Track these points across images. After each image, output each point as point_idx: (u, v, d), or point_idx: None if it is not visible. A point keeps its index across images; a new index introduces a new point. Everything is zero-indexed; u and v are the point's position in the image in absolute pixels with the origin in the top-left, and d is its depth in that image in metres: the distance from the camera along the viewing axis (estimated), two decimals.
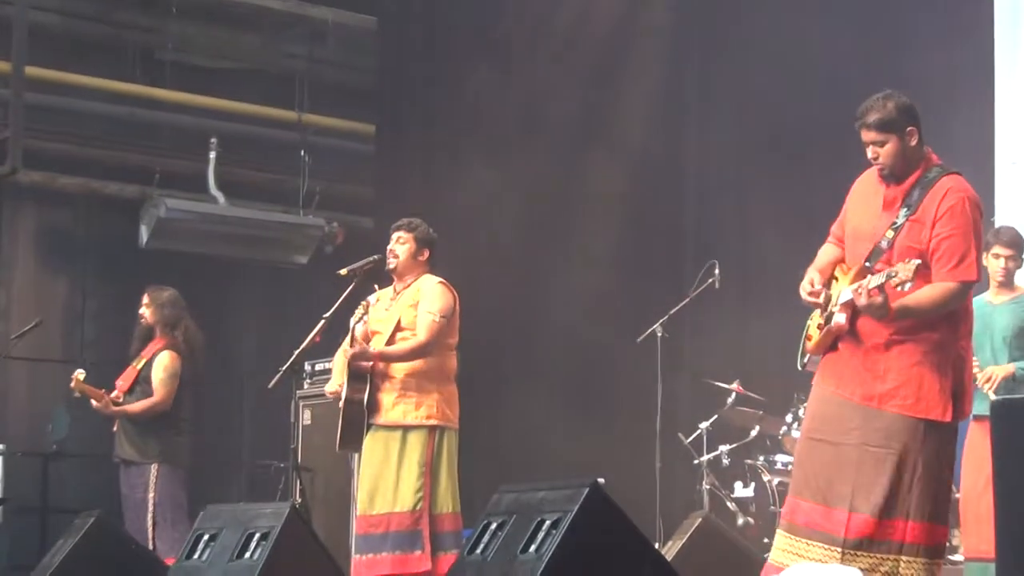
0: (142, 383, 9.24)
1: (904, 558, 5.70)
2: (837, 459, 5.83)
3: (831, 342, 5.92)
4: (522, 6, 11.79)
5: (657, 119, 11.99)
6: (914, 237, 5.81)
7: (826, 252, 6.15)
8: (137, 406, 9.17)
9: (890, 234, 5.85)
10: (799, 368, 6.13)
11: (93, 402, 9.20)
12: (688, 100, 12.20)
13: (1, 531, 10.34)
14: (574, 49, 11.98)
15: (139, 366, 9.33)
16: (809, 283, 5.97)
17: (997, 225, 8.55)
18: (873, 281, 5.71)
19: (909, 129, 5.84)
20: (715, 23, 11.89)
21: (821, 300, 5.94)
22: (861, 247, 5.95)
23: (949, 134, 9.79)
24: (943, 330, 5.88)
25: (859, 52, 10.62)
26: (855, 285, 5.77)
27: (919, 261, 5.64)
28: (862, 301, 5.71)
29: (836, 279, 6.02)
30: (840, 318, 5.84)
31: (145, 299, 9.46)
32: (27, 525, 10.46)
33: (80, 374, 9.12)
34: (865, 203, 6.04)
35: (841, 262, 6.06)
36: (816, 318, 6.02)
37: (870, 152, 5.89)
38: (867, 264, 5.88)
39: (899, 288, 5.63)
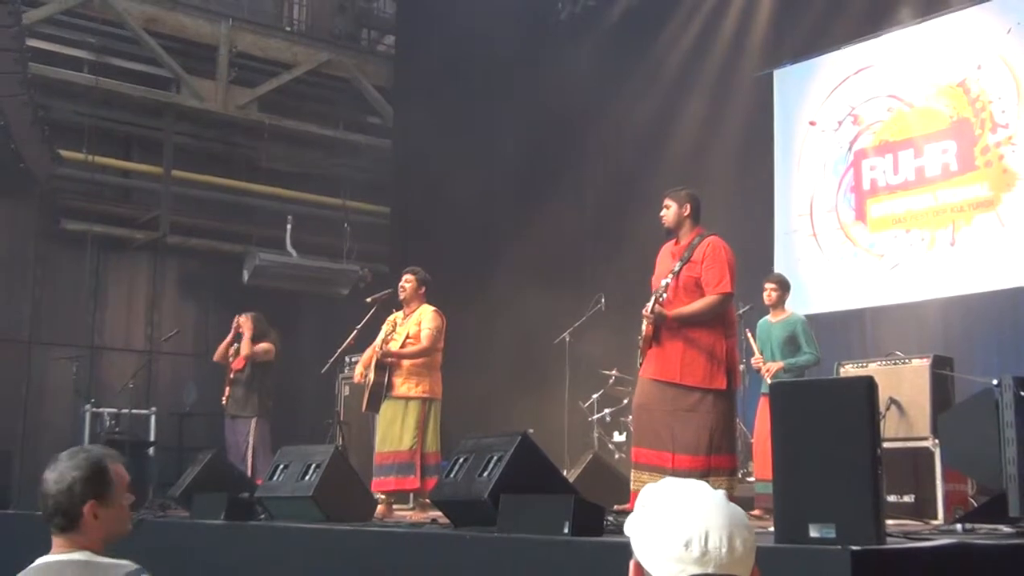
0: (249, 366, 9.26)
1: (712, 477, 5.71)
2: (657, 419, 5.84)
3: (648, 347, 5.93)
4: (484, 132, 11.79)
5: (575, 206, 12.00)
6: (691, 272, 5.86)
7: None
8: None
9: (671, 275, 5.89)
10: (638, 367, 6.14)
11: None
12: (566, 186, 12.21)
13: (153, 462, 10.23)
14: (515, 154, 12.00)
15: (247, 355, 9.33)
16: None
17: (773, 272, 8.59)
18: (648, 306, 5.79)
19: (687, 204, 5.95)
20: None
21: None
22: (657, 286, 6.00)
23: (739, 208, 9.87)
24: (719, 332, 5.91)
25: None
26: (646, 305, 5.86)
27: (667, 280, 5.72)
28: (648, 320, 5.79)
29: None
30: (646, 327, 5.88)
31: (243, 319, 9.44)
32: (170, 459, 10.36)
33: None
34: (662, 264, 6.11)
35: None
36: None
37: (663, 214, 5.98)
38: (654, 294, 5.91)
39: (661, 299, 5.70)
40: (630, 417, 9.42)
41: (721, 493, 1.78)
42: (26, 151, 10.47)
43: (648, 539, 1.74)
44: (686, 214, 5.99)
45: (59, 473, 2.64)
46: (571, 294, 11.09)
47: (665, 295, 5.76)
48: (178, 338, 11.05)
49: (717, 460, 5.73)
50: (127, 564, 2.65)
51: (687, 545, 1.69)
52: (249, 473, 8.77)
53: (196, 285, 12.49)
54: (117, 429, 10.09)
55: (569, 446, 9.07)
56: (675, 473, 5.64)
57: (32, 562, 2.64)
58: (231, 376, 9.36)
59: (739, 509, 1.78)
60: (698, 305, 5.80)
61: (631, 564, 1.77)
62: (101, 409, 10.46)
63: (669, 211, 6.02)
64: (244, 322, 9.38)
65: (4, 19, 9.74)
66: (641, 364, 6.00)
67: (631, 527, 1.78)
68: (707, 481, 5.63)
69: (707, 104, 10.75)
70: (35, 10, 11.35)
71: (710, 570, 1.69)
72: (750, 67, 10.70)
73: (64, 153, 11.53)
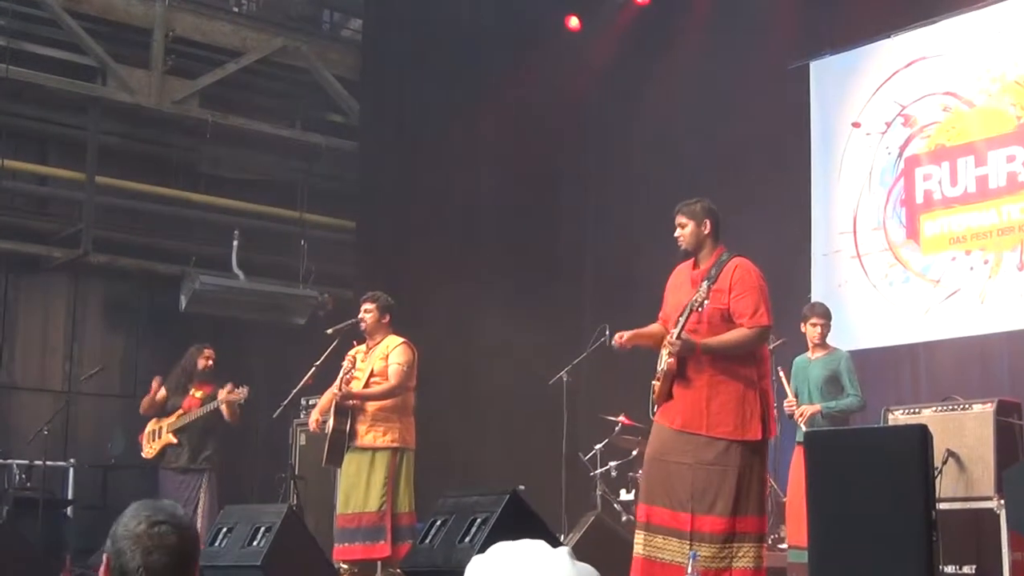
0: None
1: (736, 544, 5.71)
2: (674, 474, 5.84)
3: (668, 388, 5.91)
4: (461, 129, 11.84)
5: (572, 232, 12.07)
6: (718, 302, 5.86)
7: (653, 326, 6.20)
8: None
9: (696, 300, 5.89)
10: (651, 416, 6.14)
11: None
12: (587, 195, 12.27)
13: (71, 524, 10.20)
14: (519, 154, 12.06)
15: (201, 396, 9.54)
16: (619, 336, 6.03)
17: (812, 301, 8.62)
18: (674, 333, 5.79)
19: (706, 220, 5.98)
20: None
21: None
22: (677, 313, 6.00)
23: (771, 225, 9.91)
24: (751, 372, 5.92)
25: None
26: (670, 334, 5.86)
27: (707, 283, 5.73)
28: (674, 348, 5.78)
29: (665, 345, 6.04)
30: (670, 361, 5.87)
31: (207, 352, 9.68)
32: (91, 519, 10.32)
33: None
34: (679, 290, 6.12)
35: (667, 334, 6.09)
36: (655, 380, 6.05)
37: (679, 234, 6.01)
38: (679, 319, 5.92)
39: (699, 308, 5.71)
40: (640, 472, 9.46)
41: (565, 553, 1.73)
42: None
43: None
44: (706, 232, 6.01)
45: (183, 534, 2.43)
46: (569, 326, 11.14)
47: (697, 300, 5.72)
48: (102, 376, 11.03)
49: (743, 523, 5.73)
50: None
51: None
52: (201, 536, 8.78)
53: (124, 313, 12.46)
54: (28, 484, 10.07)
55: (568, 505, 9.08)
56: (694, 537, 5.65)
57: None
58: (171, 420, 9.43)
59: (589, 569, 1.73)
60: (733, 336, 5.80)
61: None
62: (9, 461, 10.44)
63: (686, 230, 6.01)
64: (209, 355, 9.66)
65: None
66: (657, 408, 5.99)
67: None
68: (730, 548, 5.63)
69: (731, 102, 10.79)
70: None
71: None
72: (782, 58, 10.74)
73: None
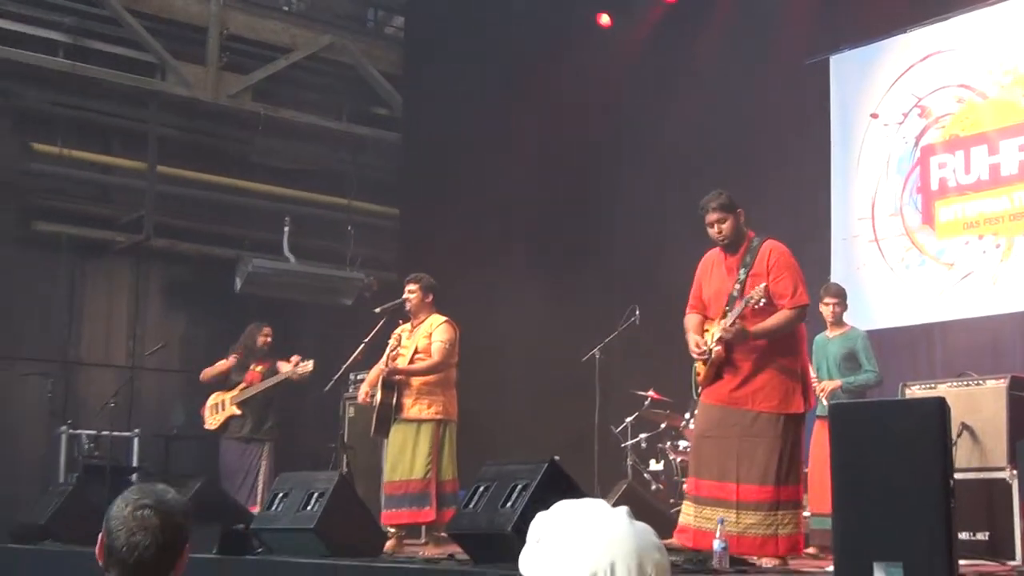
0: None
1: (781, 512, 5.74)
2: (722, 448, 5.86)
3: (715, 372, 5.95)
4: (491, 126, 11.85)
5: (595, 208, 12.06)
6: (755, 286, 5.86)
7: (693, 320, 6.19)
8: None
9: (737, 286, 5.90)
10: (695, 397, 6.18)
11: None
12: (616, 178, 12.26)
13: None
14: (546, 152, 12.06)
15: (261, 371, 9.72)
16: (695, 344, 6.02)
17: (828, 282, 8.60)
18: (728, 319, 5.79)
19: (738, 211, 5.98)
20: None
21: (703, 352, 5.98)
22: (720, 301, 6.00)
23: (792, 212, 9.89)
24: (792, 352, 5.95)
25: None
26: (720, 324, 5.85)
27: (765, 284, 5.73)
28: (730, 333, 5.77)
29: (707, 330, 6.07)
30: (717, 348, 5.89)
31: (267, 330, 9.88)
32: None
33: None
34: (711, 275, 6.11)
35: (705, 320, 6.11)
36: (698, 363, 6.06)
37: (715, 230, 5.98)
38: (728, 308, 5.93)
39: (757, 306, 5.71)
40: (668, 443, 9.48)
41: (624, 512, 1.74)
42: None
43: None
44: (741, 221, 6.03)
45: (165, 519, 2.50)
46: (600, 306, 11.14)
47: (754, 298, 5.72)
48: (163, 353, 11.13)
49: (786, 492, 5.76)
50: None
51: None
52: (246, 502, 8.87)
53: (183, 294, 12.55)
54: (96, 453, 10.18)
55: (600, 475, 9.10)
56: (740, 506, 5.67)
57: None
58: (234, 393, 9.53)
59: (647, 528, 1.74)
60: (778, 320, 5.82)
61: None
62: (78, 431, 10.55)
63: (724, 225, 5.97)
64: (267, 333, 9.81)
65: None
66: (701, 389, 6.02)
67: (526, 565, 1.73)
68: (775, 515, 5.66)
69: (754, 94, 10.75)
70: None
71: None
72: (803, 53, 10.70)
73: (36, 147, 11.62)
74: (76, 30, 12.12)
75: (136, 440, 10.90)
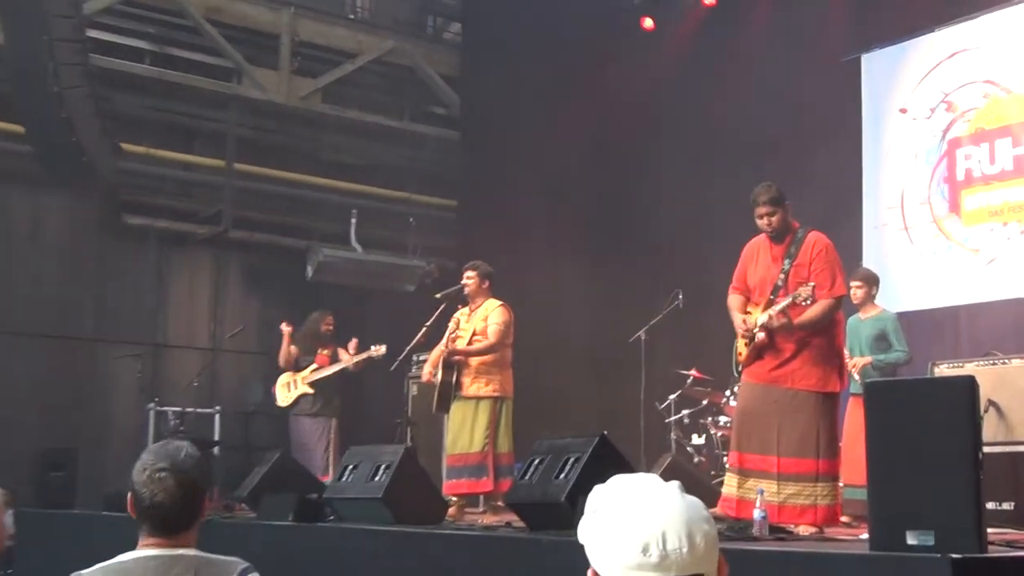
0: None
1: (820, 483, 5.70)
2: (765, 423, 5.82)
3: (756, 354, 5.92)
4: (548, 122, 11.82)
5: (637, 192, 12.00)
6: (799, 276, 5.83)
7: (736, 300, 6.15)
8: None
9: (782, 276, 5.87)
10: (735, 375, 6.15)
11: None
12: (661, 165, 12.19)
13: (218, 462, 10.41)
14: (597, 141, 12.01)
15: (328, 354, 9.86)
16: (743, 323, 5.98)
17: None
18: (776, 308, 5.74)
19: (786, 203, 5.93)
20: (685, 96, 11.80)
21: (749, 330, 5.95)
22: (765, 288, 5.96)
23: (826, 201, 9.78)
24: (830, 333, 5.90)
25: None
26: (768, 312, 5.80)
27: (814, 283, 5.68)
28: (774, 324, 5.73)
29: (750, 312, 6.03)
30: (761, 335, 5.85)
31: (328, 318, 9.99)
32: (235, 459, 10.52)
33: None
34: (756, 261, 6.07)
35: (748, 302, 6.08)
36: (741, 340, 6.03)
37: (765, 222, 5.93)
38: (772, 298, 5.89)
39: (804, 303, 5.67)
40: (709, 419, 9.44)
41: (675, 486, 1.72)
42: (88, 144, 10.68)
43: (602, 547, 1.68)
44: (789, 213, 5.98)
45: (179, 478, 2.62)
46: (646, 290, 11.11)
47: (801, 296, 5.68)
48: (242, 335, 11.23)
49: (824, 465, 5.73)
50: (238, 561, 2.68)
51: (645, 550, 1.64)
52: (331, 472, 8.95)
53: (259, 281, 12.64)
54: (182, 428, 10.28)
55: (646, 448, 9.07)
56: (781, 477, 5.64)
57: (106, 558, 2.64)
58: (305, 374, 9.62)
59: (696, 501, 1.73)
60: (817, 311, 5.79)
61: (589, 574, 1.72)
62: (165, 408, 10.67)
63: (774, 218, 5.92)
64: (329, 321, 9.97)
65: (64, 9, 9.94)
66: (742, 369, 6.00)
67: (584, 534, 1.72)
68: (815, 487, 5.63)
69: (791, 92, 10.64)
70: (94, 0, 11.56)
71: (673, 573, 1.63)
72: (836, 52, 10.58)
73: (125, 146, 11.75)
74: (161, 39, 12.23)
75: (217, 416, 11.00)
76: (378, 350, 9.49)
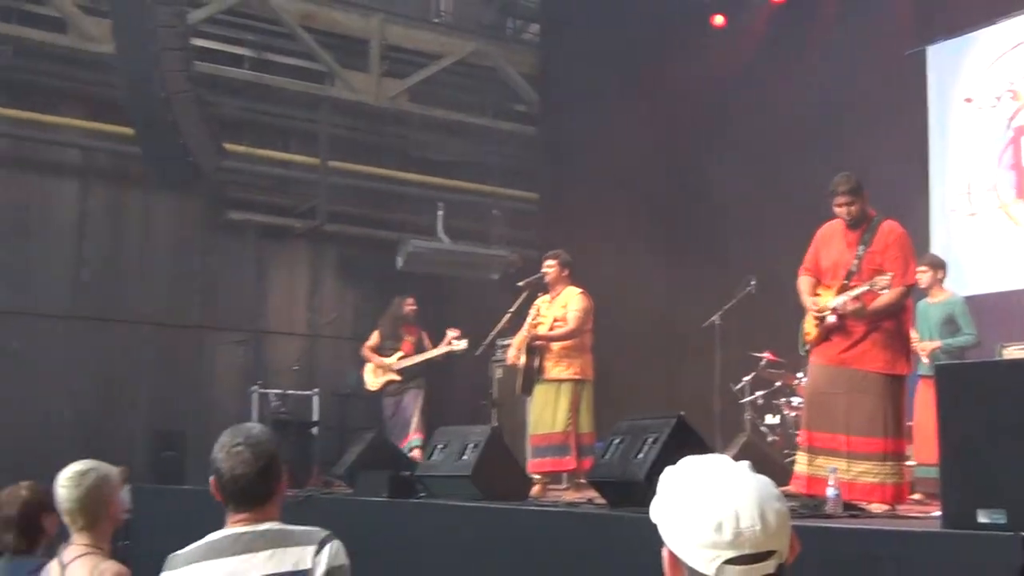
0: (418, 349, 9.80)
1: (889, 462, 5.61)
2: (834, 403, 5.74)
3: (825, 335, 5.84)
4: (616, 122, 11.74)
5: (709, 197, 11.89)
6: (872, 262, 5.73)
7: (807, 282, 6.05)
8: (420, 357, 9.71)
9: (855, 262, 5.77)
10: (801, 354, 6.07)
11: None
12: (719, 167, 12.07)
13: (317, 441, 10.53)
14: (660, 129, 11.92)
15: (412, 340, 9.81)
16: (814, 303, 5.90)
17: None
18: (852, 294, 5.64)
19: (864, 193, 5.83)
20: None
21: (822, 311, 5.87)
22: (838, 272, 5.87)
23: (895, 189, 9.58)
24: (899, 318, 5.80)
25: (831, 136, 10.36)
26: (842, 297, 5.71)
27: (892, 273, 5.58)
28: (848, 308, 5.64)
29: (819, 294, 5.94)
30: (832, 318, 5.76)
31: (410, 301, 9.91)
32: (332, 438, 10.65)
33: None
34: (830, 245, 5.98)
35: (818, 284, 5.99)
36: (810, 321, 5.95)
37: (844, 210, 5.83)
38: (845, 282, 5.79)
39: (881, 291, 5.58)
40: (783, 400, 9.32)
41: (746, 466, 1.69)
42: (193, 145, 10.86)
43: (676, 526, 1.65)
44: (867, 202, 5.88)
45: (255, 450, 2.67)
46: (716, 277, 10.99)
47: (878, 285, 5.60)
48: (337, 322, 11.35)
49: (892, 444, 5.63)
50: (319, 530, 2.71)
51: (718, 529, 1.61)
52: (422, 431, 9.01)
53: (353, 271, 12.77)
54: (283, 409, 10.42)
55: (721, 429, 8.99)
56: (851, 456, 5.57)
57: (212, 531, 2.69)
58: (392, 361, 9.70)
59: (767, 480, 1.68)
60: (889, 298, 5.69)
61: (664, 553, 1.69)
62: (267, 390, 10.82)
63: (853, 208, 5.84)
64: (411, 303, 9.90)
65: (169, 19, 10.14)
66: (810, 349, 5.93)
67: (657, 514, 1.70)
68: (884, 465, 5.54)
69: (857, 84, 10.45)
70: (197, 10, 11.75)
71: (746, 551, 1.60)
72: (901, 46, 10.37)
73: (227, 146, 11.93)
74: (259, 45, 12.40)
75: (316, 398, 11.12)
76: (459, 343, 9.45)
